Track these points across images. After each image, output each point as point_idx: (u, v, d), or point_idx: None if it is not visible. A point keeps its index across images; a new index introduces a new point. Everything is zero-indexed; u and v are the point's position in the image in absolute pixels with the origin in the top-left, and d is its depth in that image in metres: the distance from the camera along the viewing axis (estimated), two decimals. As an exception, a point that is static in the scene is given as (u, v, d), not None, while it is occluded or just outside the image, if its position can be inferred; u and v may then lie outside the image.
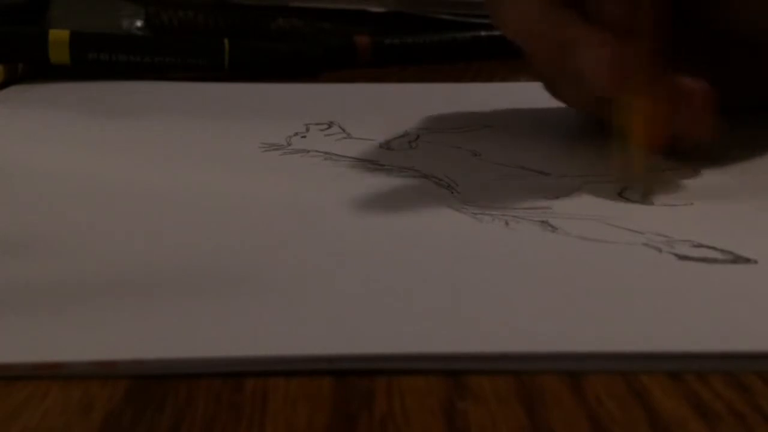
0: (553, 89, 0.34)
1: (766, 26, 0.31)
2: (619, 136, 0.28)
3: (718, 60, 0.31)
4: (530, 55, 0.33)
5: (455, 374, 0.17)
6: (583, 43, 0.29)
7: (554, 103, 0.42)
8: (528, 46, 0.33)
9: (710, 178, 0.29)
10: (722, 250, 0.22)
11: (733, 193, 0.27)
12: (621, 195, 0.27)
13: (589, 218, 0.24)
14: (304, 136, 0.34)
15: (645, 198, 0.26)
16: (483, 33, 0.54)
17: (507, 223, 0.24)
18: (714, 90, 0.28)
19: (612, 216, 0.24)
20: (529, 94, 0.39)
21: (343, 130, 0.35)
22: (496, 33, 0.54)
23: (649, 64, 0.28)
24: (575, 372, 0.17)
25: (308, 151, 0.32)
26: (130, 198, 0.27)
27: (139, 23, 0.56)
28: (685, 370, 0.17)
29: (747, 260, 0.21)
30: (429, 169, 0.29)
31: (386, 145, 0.33)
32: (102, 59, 0.48)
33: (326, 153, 0.32)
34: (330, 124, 0.36)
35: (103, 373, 0.17)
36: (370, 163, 0.30)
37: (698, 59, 0.29)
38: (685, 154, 0.29)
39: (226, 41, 0.49)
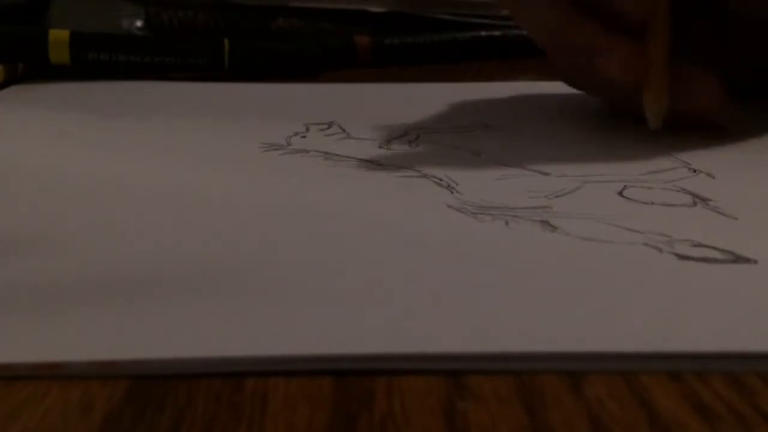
0: (573, 84, 0.36)
1: None
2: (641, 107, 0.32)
3: (725, 41, 0.33)
4: (552, 58, 0.36)
5: (455, 374, 0.17)
6: (602, 49, 0.31)
7: (554, 103, 0.42)
8: (550, 52, 0.35)
9: (710, 177, 0.29)
10: (722, 250, 0.22)
11: (734, 192, 0.27)
12: (621, 194, 0.27)
13: (589, 218, 0.24)
14: (304, 136, 0.34)
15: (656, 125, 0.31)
16: (483, 33, 0.54)
17: (507, 223, 0.24)
18: (720, 74, 0.31)
19: (612, 216, 0.24)
20: (529, 94, 0.40)
21: (343, 130, 0.35)
22: (496, 33, 0.54)
23: (665, 56, 0.31)
24: (575, 372, 0.17)
25: (308, 151, 0.32)
26: (130, 198, 0.27)
27: (139, 23, 0.56)
28: (685, 370, 0.17)
29: (747, 260, 0.21)
30: (429, 169, 0.29)
31: (386, 145, 0.33)
32: (102, 59, 0.48)
33: (326, 153, 0.32)
34: (330, 124, 0.36)
35: (103, 373, 0.17)
36: (370, 163, 0.30)
37: (705, 41, 0.33)
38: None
39: (226, 41, 0.49)
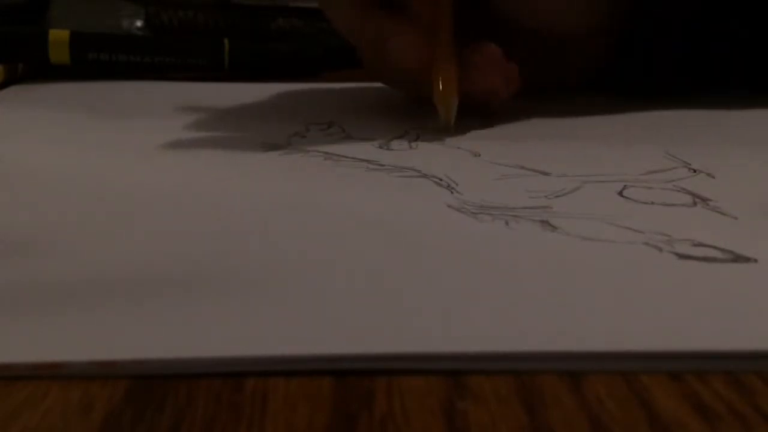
0: (380, 79, 0.40)
1: (543, 18, 0.38)
2: (432, 99, 0.35)
3: (506, 44, 0.36)
4: (360, 53, 0.39)
5: (455, 374, 0.17)
6: (390, 35, 0.35)
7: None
8: (355, 44, 0.39)
9: (710, 177, 0.29)
10: (723, 250, 0.22)
11: (734, 192, 0.27)
12: (621, 194, 0.27)
13: (589, 218, 0.24)
14: (304, 136, 0.34)
15: (447, 126, 0.34)
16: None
17: (507, 223, 0.24)
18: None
19: (612, 215, 0.24)
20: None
21: (343, 130, 0.35)
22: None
23: (448, 44, 0.35)
24: (575, 372, 0.17)
25: (308, 151, 0.32)
26: (130, 198, 0.27)
27: (139, 23, 0.56)
28: (685, 370, 0.17)
29: (747, 260, 0.21)
30: (429, 169, 0.29)
31: (386, 145, 0.33)
32: (102, 59, 0.48)
33: (326, 153, 0.32)
34: (330, 124, 0.36)
35: (103, 373, 0.17)
36: (370, 163, 0.30)
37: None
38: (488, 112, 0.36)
39: (226, 41, 0.49)
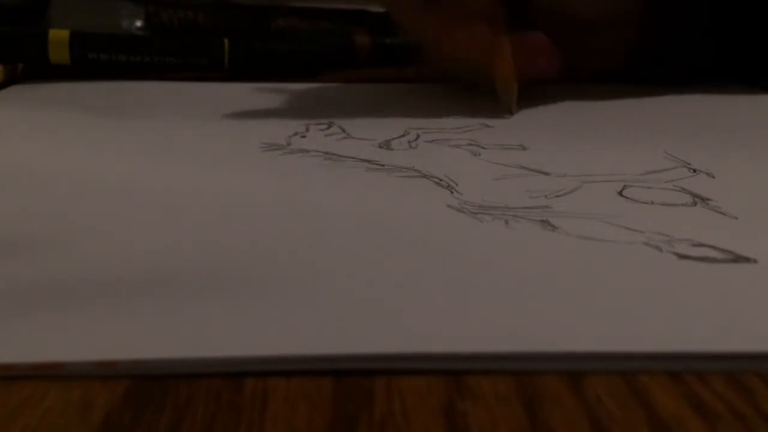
0: (443, 70, 0.43)
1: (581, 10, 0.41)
2: (494, 83, 0.39)
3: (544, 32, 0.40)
4: (423, 47, 0.42)
5: (455, 374, 0.17)
6: (457, 27, 0.38)
7: (553, 103, 0.42)
8: (418, 38, 0.42)
9: (710, 177, 0.29)
10: (722, 250, 0.22)
11: (734, 192, 0.27)
12: (621, 194, 0.27)
13: (589, 218, 0.24)
14: (304, 136, 0.34)
15: (510, 110, 0.38)
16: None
17: (507, 223, 0.24)
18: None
19: (612, 215, 0.24)
20: (528, 94, 0.39)
21: (343, 130, 0.35)
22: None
23: (504, 34, 0.38)
24: (575, 372, 0.17)
25: (308, 151, 0.32)
26: (130, 198, 0.27)
27: (139, 23, 0.56)
28: (685, 370, 0.17)
29: (747, 260, 0.21)
30: (429, 169, 0.29)
31: (386, 145, 0.33)
32: (102, 59, 0.48)
33: (326, 153, 0.32)
34: (330, 124, 0.36)
35: (103, 373, 0.17)
36: (370, 163, 0.30)
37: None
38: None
39: (226, 41, 0.49)
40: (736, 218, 0.25)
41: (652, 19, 0.44)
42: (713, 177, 0.29)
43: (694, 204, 0.26)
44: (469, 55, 0.38)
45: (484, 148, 0.32)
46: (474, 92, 0.41)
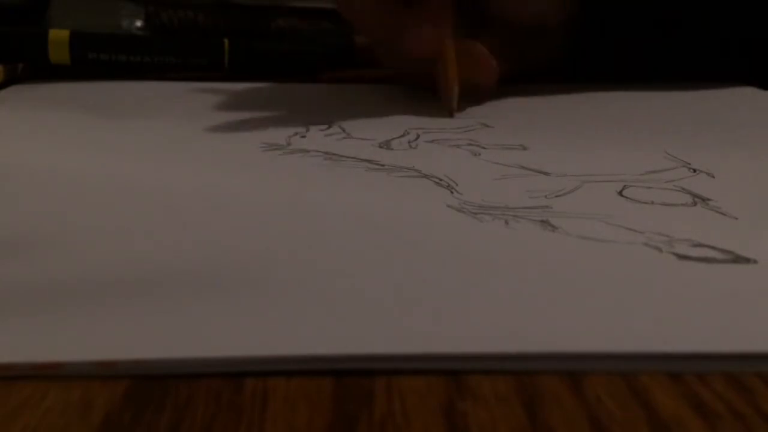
0: (391, 63, 0.44)
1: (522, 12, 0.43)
2: (439, 82, 0.40)
3: (493, 35, 0.42)
4: (376, 46, 0.44)
5: (455, 374, 0.17)
6: (407, 25, 0.39)
7: (552, 103, 0.42)
8: (372, 37, 0.43)
9: (710, 177, 0.29)
10: (722, 250, 0.22)
11: (734, 192, 0.27)
12: (621, 194, 0.27)
13: (589, 218, 0.24)
14: (304, 136, 0.34)
15: (451, 111, 0.39)
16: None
17: (507, 223, 0.24)
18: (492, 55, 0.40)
19: (612, 215, 0.24)
20: (528, 94, 0.40)
21: (343, 130, 0.35)
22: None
23: (450, 36, 0.39)
24: (575, 372, 0.17)
25: (308, 151, 0.32)
26: (130, 198, 0.27)
27: (139, 23, 0.56)
28: (685, 370, 0.17)
29: (747, 260, 0.21)
30: (429, 169, 0.29)
31: (386, 145, 0.33)
32: (102, 59, 0.48)
33: (326, 153, 0.32)
34: (330, 124, 0.36)
35: (103, 373, 0.17)
36: (370, 163, 0.30)
37: (479, 34, 0.41)
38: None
39: (226, 41, 0.49)
40: (736, 218, 0.25)
41: (585, 22, 0.46)
42: (713, 177, 0.29)
43: (694, 204, 0.26)
44: (418, 55, 0.39)
45: (484, 148, 0.32)
46: (416, 92, 0.42)
